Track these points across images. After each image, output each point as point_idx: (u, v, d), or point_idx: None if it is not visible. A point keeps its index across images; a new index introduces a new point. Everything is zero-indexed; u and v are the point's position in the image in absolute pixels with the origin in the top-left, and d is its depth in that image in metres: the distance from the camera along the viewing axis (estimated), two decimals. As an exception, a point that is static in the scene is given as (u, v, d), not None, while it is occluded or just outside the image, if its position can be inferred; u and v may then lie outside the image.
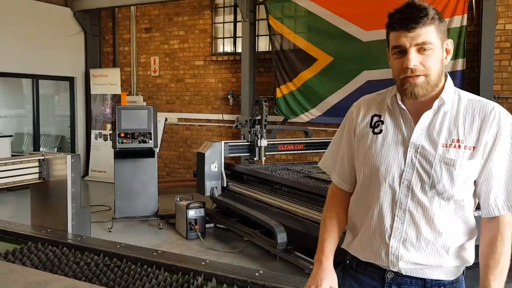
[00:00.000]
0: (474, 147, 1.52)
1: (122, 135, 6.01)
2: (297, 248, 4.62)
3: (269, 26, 7.94)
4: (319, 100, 7.57)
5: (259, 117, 6.08)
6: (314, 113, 7.67)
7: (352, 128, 1.74)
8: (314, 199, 4.58)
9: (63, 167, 3.05)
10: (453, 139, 1.54)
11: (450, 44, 1.58)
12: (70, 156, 3.04)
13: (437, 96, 1.56)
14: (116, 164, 6.17)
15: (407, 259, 1.57)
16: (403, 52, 1.52)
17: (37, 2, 8.94)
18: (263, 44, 8.60)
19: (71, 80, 9.79)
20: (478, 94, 1.78)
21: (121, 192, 6.15)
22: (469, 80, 6.34)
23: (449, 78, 1.61)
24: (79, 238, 2.78)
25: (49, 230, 2.91)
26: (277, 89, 7.94)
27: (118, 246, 2.51)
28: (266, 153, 6.18)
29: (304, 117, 7.77)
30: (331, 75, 7.41)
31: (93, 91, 9.64)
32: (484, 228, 1.59)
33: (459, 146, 1.53)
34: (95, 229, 5.68)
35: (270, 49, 8.14)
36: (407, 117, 1.60)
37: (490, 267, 1.53)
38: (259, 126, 6.06)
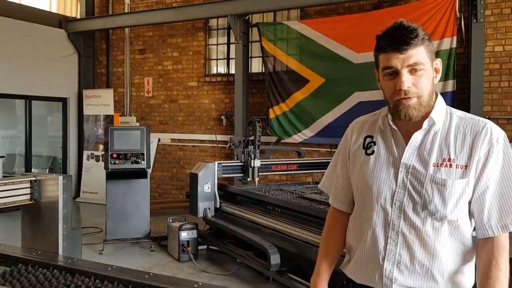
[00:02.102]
0: (466, 166, 1.50)
1: (115, 155, 5.98)
2: (290, 269, 4.58)
3: (262, 48, 8.02)
4: (311, 121, 7.62)
5: (252, 138, 6.09)
6: (307, 133, 7.71)
7: (346, 150, 1.75)
8: (308, 220, 4.56)
9: (55, 188, 3.01)
10: (444, 158, 1.52)
11: (439, 63, 1.58)
12: (61, 177, 3.01)
13: (427, 115, 1.54)
14: (108, 185, 6.12)
15: (401, 282, 1.55)
16: (394, 73, 1.50)
17: (31, 23, 9.00)
18: (256, 66, 8.68)
19: (64, 101, 9.80)
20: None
21: (112, 214, 6.09)
22: (459, 101, 6.41)
23: (439, 97, 1.60)
24: (69, 260, 2.74)
25: (39, 252, 2.86)
26: (270, 110, 7.98)
27: (109, 269, 2.48)
28: (260, 174, 6.17)
29: (297, 138, 7.80)
30: (323, 96, 7.47)
31: (86, 111, 9.63)
32: (480, 250, 1.56)
33: (451, 166, 1.51)
34: (86, 251, 5.59)
35: (263, 71, 8.22)
36: (398, 137, 1.60)
37: None
38: (252, 146, 6.06)
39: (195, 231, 5.59)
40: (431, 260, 1.53)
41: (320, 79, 7.51)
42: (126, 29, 9.80)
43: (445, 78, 6.30)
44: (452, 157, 1.52)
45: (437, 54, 1.62)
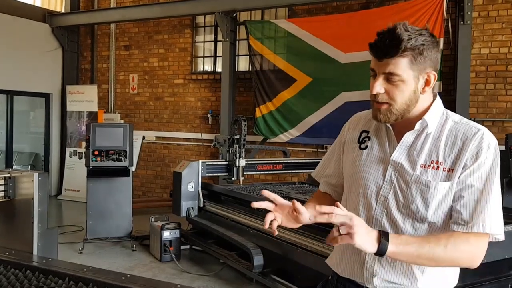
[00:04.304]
0: (452, 169, 1.50)
1: (96, 153, 5.83)
2: (274, 271, 4.51)
3: (249, 46, 7.96)
4: (298, 121, 7.58)
5: (237, 137, 6.02)
6: (293, 133, 7.66)
7: (342, 142, 1.79)
8: (292, 220, 4.50)
9: (30, 185, 2.92)
10: (432, 160, 1.52)
11: (432, 76, 1.52)
12: (37, 174, 2.91)
13: (421, 117, 1.55)
14: (89, 183, 5.98)
15: (382, 276, 1.57)
16: (375, 76, 1.53)
17: (15, 17, 8.81)
18: (243, 64, 8.61)
19: (47, 96, 9.62)
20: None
21: (93, 212, 5.95)
22: (445, 103, 6.25)
23: (437, 100, 1.60)
24: (44, 261, 2.63)
25: (12, 252, 2.76)
26: (257, 109, 7.92)
27: (85, 270, 2.38)
28: (245, 173, 6.11)
29: (283, 137, 7.75)
30: (310, 95, 7.44)
31: (69, 108, 9.46)
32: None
33: (438, 168, 1.51)
34: (66, 250, 5.49)
35: (250, 69, 8.15)
36: (391, 135, 1.62)
37: (426, 239, 1.44)
38: (237, 145, 5.99)
39: (177, 230, 5.50)
40: None
41: (307, 79, 7.47)
42: (112, 25, 9.66)
43: (431, 79, 6.31)
44: (440, 159, 1.52)
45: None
